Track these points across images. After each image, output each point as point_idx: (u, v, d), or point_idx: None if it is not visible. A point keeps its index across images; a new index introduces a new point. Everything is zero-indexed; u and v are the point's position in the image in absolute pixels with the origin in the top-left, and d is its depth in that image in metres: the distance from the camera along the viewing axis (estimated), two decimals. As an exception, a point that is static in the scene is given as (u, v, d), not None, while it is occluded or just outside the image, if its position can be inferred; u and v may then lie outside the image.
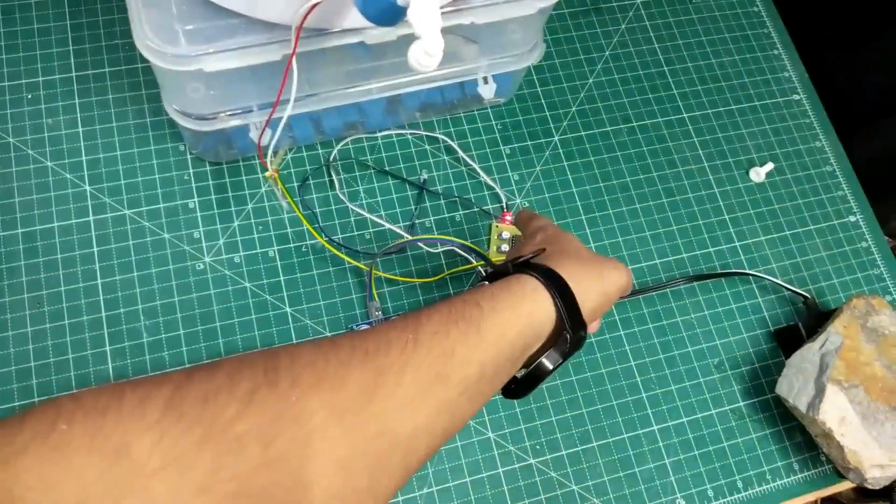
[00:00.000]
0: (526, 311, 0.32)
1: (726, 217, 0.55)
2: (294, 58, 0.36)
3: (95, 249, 0.47)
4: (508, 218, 0.51)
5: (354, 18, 0.39)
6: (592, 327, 0.38)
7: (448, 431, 0.28)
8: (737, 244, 0.55)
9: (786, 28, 0.62)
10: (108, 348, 0.46)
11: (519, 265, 0.35)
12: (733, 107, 0.59)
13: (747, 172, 0.57)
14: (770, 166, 0.56)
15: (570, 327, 0.32)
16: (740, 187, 0.56)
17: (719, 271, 0.53)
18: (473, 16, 0.43)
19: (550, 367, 0.33)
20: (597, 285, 0.36)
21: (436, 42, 0.29)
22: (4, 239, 0.47)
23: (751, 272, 0.53)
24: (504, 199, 0.53)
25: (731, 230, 0.55)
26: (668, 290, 0.52)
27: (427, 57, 0.30)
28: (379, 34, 0.41)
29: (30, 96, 0.50)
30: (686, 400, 0.50)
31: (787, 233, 0.55)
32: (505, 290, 0.32)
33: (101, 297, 0.46)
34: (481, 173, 0.53)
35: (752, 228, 0.55)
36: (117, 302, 0.47)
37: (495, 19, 0.43)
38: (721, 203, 0.56)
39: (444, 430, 0.28)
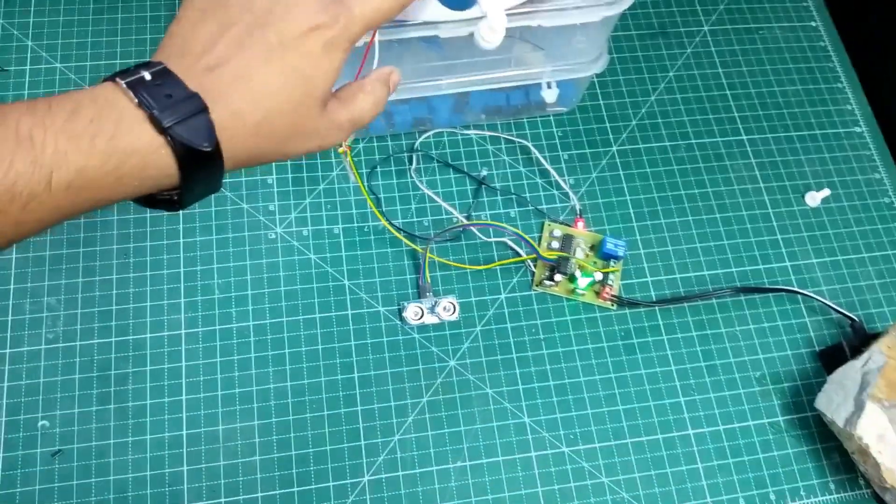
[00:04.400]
0: (99, 152, 0.26)
1: (779, 237, 0.56)
2: (375, 45, 0.40)
3: (181, 212, 0.52)
4: (581, 224, 0.54)
5: (431, 12, 0.43)
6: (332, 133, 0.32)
7: None
8: (787, 263, 0.55)
9: (851, 63, 0.63)
10: (182, 300, 0.50)
11: (144, 82, 0.27)
12: (793, 133, 0.60)
13: (803, 196, 0.58)
14: (826, 192, 0.57)
15: (183, 191, 0.28)
16: (795, 210, 0.57)
17: (767, 286, 0.54)
18: (540, 19, 0.46)
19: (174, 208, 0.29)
20: (270, 154, 0.31)
21: (500, 18, 0.33)
22: (104, 196, 0.52)
23: (800, 291, 0.53)
24: (576, 203, 0.55)
25: (783, 250, 0.56)
26: (714, 299, 0.53)
27: (491, 32, 0.33)
28: (452, 27, 0.45)
29: (139, 75, 0.57)
30: (724, 408, 0.50)
31: (840, 257, 0.56)
32: (73, 115, 0.26)
33: (182, 255, 0.51)
34: (555, 175, 0.56)
35: (804, 250, 0.56)
36: (195, 260, 0.51)
37: (561, 24, 0.47)
38: (774, 223, 0.57)
39: None
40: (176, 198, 0.29)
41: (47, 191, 0.25)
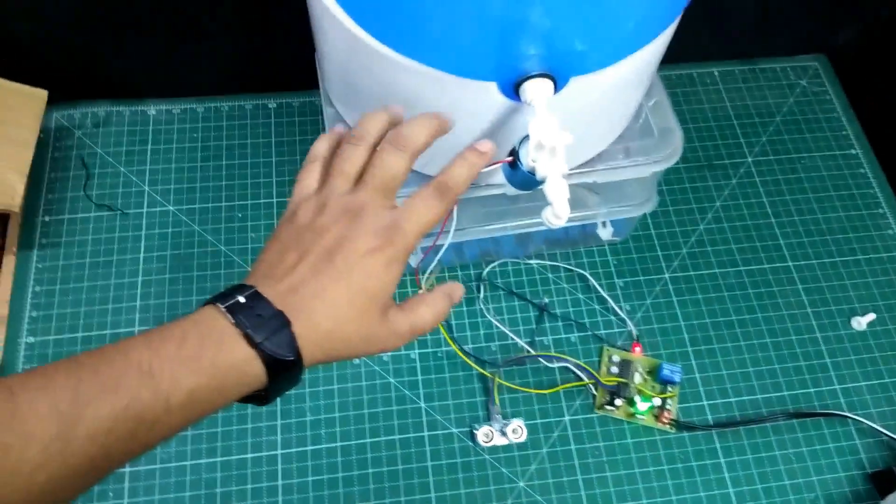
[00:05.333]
0: (206, 365, 0.30)
1: (827, 360, 0.59)
2: (454, 212, 0.47)
3: (277, 340, 0.59)
4: (638, 349, 0.58)
5: (501, 177, 0.50)
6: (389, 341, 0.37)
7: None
8: (836, 387, 0.58)
9: (892, 189, 0.67)
10: (278, 422, 0.56)
11: (241, 307, 0.32)
12: (837, 259, 0.64)
13: (849, 321, 0.61)
14: (871, 317, 0.60)
15: (269, 391, 0.32)
16: (842, 334, 0.61)
17: (818, 411, 0.57)
18: (596, 176, 0.52)
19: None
20: (339, 353, 0.35)
21: (564, 209, 0.38)
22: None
23: (849, 414, 0.56)
24: (633, 329, 0.60)
25: (832, 373, 0.59)
26: (768, 424, 0.57)
27: (556, 219, 0.39)
28: (517, 190, 0.51)
29: (240, 215, 0.64)
30: (781, 531, 0.53)
31: (888, 380, 0.59)
32: (200, 351, 0.31)
33: (277, 380, 0.57)
34: (611, 302, 0.61)
35: (853, 373, 0.59)
36: (288, 385, 0.57)
37: (614, 179, 0.52)
38: (823, 347, 0.60)
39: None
40: (263, 394, 0.33)
41: (167, 413, 0.29)
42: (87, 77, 0.69)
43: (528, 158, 0.39)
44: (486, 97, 0.41)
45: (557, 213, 0.39)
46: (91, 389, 0.28)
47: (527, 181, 0.41)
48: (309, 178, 0.38)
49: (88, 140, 0.67)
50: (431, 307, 0.38)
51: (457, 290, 0.40)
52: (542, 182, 0.40)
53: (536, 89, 0.39)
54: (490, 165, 0.42)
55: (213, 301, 0.33)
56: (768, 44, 0.73)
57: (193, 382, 0.30)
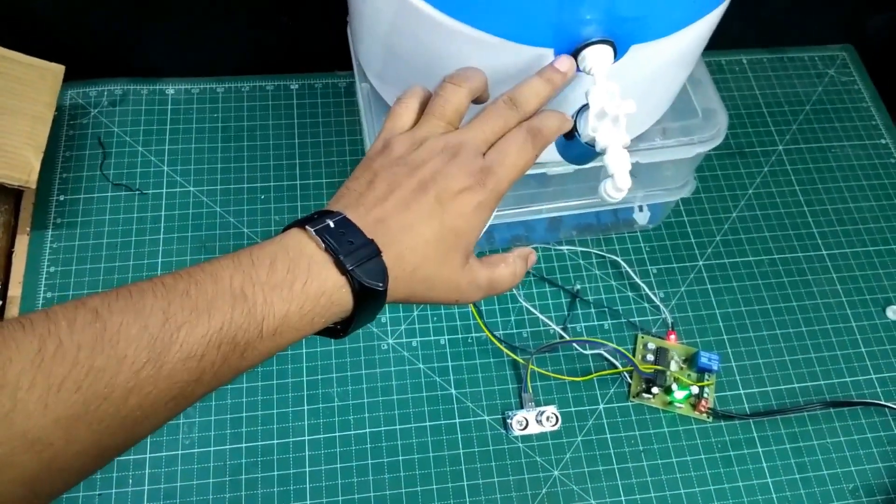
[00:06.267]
0: (310, 308, 0.30)
1: (863, 350, 0.59)
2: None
3: (303, 324, 0.57)
4: (673, 337, 0.57)
5: (544, 155, 0.48)
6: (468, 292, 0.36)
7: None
8: (873, 376, 0.57)
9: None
10: (305, 408, 0.54)
11: (334, 233, 0.31)
12: (870, 248, 0.63)
13: (884, 310, 0.60)
14: (907, 306, 0.60)
15: (353, 322, 0.31)
16: (877, 323, 0.60)
17: (855, 400, 0.56)
18: (638, 156, 0.51)
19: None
20: (420, 297, 0.34)
21: (625, 180, 0.37)
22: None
23: (886, 404, 0.55)
24: (668, 316, 0.59)
25: (868, 362, 0.58)
26: (805, 413, 0.55)
27: (617, 191, 0.38)
28: (560, 168, 0.50)
29: (262, 197, 0.63)
30: (821, 521, 0.52)
31: (926, 370, 0.58)
32: (272, 266, 0.30)
33: (304, 365, 0.56)
34: (645, 289, 0.59)
35: (889, 363, 0.58)
36: (316, 370, 0.55)
37: (657, 160, 0.51)
38: (858, 336, 0.59)
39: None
40: (340, 327, 0.33)
41: (259, 338, 0.29)
42: (105, 55, 0.67)
43: (587, 129, 0.38)
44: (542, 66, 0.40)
45: (618, 186, 0.37)
46: (182, 312, 0.27)
47: (584, 153, 0.39)
48: (406, 113, 0.37)
49: (105, 118, 0.65)
50: (511, 267, 0.37)
51: (531, 255, 0.39)
52: (599, 154, 0.39)
53: (596, 56, 0.37)
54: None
55: (299, 224, 0.32)
56: (796, 32, 0.73)
57: (285, 309, 0.29)
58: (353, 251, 0.31)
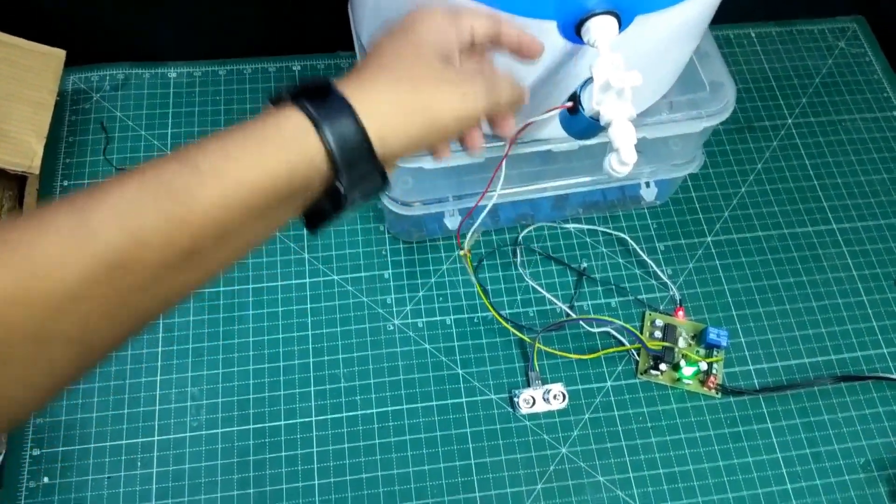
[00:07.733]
0: (275, 162, 0.27)
1: (874, 324, 0.58)
2: (504, 161, 0.45)
3: (309, 306, 0.57)
4: (681, 313, 0.57)
5: (548, 131, 0.48)
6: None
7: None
8: (884, 350, 0.57)
9: (936, 151, 0.66)
10: (312, 389, 0.54)
11: (297, 94, 0.29)
12: (881, 221, 0.62)
13: (895, 283, 0.59)
14: (920, 279, 0.59)
15: (343, 183, 0.29)
16: (888, 297, 0.59)
17: (866, 374, 0.56)
18: (645, 132, 0.50)
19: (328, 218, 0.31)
20: (417, 116, 0.31)
21: (631, 154, 0.37)
22: (238, 292, 0.57)
23: (899, 378, 0.55)
24: (676, 293, 0.58)
25: (879, 336, 0.57)
26: (815, 388, 0.55)
27: (622, 166, 0.37)
28: (566, 145, 0.49)
29: (266, 179, 0.62)
30: (831, 495, 0.52)
31: (938, 344, 0.57)
32: (253, 134, 0.28)
33: (311, 346, 0.56)
34: (653, 265, 0.59)
35: (901, 337, 0.57)
36: (322, 351, 0.55)
37: (664, 135, 0.51)
38: (869, 310, 0.58)
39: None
40: (336, 194, 0.29)
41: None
42: (107, 39, 0.66)
43: (591, 102, 0.37)
44: (545, 39, 0.39)
45: (623, 160, 0.37)
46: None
47: (588, 127, 0.39)
48: None
49: (107, 103, 0.65)
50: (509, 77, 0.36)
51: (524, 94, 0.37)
52: (604, 128, 0.38)
53: (600, 27, 0.37)
54: (549, 111, 0.40)
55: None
56: (805, 4, 0.71)
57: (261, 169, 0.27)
58: (323, 104, 0.29)
